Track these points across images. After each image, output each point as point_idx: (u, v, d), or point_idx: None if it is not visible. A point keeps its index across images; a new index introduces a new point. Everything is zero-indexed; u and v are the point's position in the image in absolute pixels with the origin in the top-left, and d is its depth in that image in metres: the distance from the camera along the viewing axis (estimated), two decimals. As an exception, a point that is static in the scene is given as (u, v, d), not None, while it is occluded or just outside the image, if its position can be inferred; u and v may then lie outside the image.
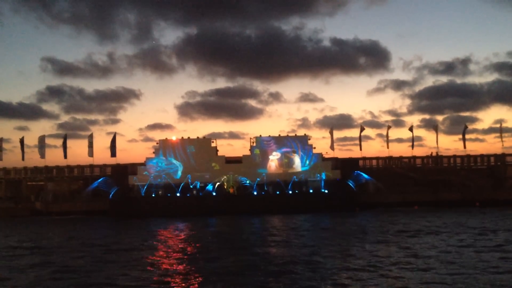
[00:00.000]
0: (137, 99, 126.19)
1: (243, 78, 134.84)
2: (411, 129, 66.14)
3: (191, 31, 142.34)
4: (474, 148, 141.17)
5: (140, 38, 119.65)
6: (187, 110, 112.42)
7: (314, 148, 60.29)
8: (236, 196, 57.12)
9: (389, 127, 67.30)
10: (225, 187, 57.95)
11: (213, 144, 60.20)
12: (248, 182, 58.10)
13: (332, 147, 63.76)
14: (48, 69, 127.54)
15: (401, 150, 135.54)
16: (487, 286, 19.59)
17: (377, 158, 64.33)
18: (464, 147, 66.76)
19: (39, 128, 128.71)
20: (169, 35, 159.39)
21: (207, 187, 57.32)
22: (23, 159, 62.88)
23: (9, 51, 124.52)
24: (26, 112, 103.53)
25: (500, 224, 39.60)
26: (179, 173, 58.53)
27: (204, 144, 59.87)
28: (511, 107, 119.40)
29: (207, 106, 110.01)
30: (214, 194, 56.86)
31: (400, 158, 64.52)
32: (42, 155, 62.00)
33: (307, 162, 59.53)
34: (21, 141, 63.42)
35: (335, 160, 61.34)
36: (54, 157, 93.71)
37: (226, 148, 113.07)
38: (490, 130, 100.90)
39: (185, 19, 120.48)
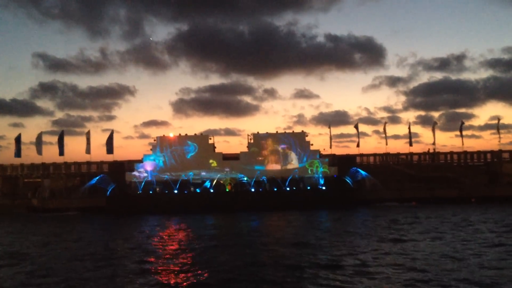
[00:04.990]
0: (131, 95, 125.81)
1: (237, 74, 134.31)
2: (409, 126, 66.68)
3: (182, 27, 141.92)
4: (471, 144, 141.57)
5: (132, 34, 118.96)
6: (182, 106, 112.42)
7: (312, 145, 60.39)
8: (234, 193, 57.19)
9: (385, 124, 67.83)
10: (223, 184, 58.00)
11: (210, 141, 60.16)
12: (245, 179, 58.21)
13: (330, 145, 64.10)
14: (40, 65, 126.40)
15: (398, 146, 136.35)
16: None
17: (374, 155, 64.53)
18: (462, 143, 67.37)
19: (33, 124, 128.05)
20: (160, 31, 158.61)
21: (204, 184, 57.44)
22: (19, 155, 62.31)
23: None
24: (20, 108, 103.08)
25: None
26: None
27: (201, 141, 59.84)
28: (507, 103, 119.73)
29: (201, 102, 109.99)
30: (211, 191, 56.91)
31: (397, 154, 64.77)
32: (40, 152, 61.75)
33: (305, 159, 59.60)
34: (17, 138, 62.86)
35: (332, 156, 61.48)
36: (49, 153, 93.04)
37: (223, 145, 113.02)
38: (486, 127, 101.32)
39: (175, 15, 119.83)
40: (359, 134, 66.15)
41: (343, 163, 59.31)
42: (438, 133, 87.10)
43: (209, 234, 36.50)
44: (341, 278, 21.05)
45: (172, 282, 21.44)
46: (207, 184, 57.39)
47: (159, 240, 34.19)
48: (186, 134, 60.28)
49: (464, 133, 69.69)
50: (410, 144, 67.74)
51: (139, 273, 23.26)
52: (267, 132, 60.91)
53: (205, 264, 24.95)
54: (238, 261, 25.35)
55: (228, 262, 25.15)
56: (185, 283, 21.15)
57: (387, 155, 64.43)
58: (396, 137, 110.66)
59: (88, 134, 62.58)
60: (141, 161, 58.98)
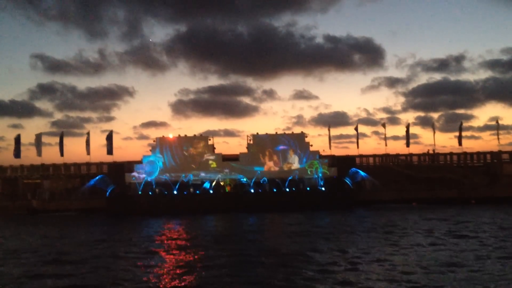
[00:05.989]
0: (130, 96, 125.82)
1: (236, 75, 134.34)
2: (407, 127, 66.44)
3: (181, 28, 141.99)
4: (470, 145, 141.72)
5: (130, 35, 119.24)
6: (180, 107, 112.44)
7: (311, 146, 60.37)
8: (233, 194, 57.15)
9: (384, 125, 67.81)
10: (222, 185, 57.98)
11: (210, 142, 60.15)
12: (245, 180, 58.19)
13: (329, 146, 64.21)
14: (38, 66, 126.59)
15: (397, 147, 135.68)
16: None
17: (374, 156, 64.55)
18: (460, 144, 67.01)
19: (32, 126, 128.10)
20: (159, 32, 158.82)
21: (204, 185, 57.40)
22: (18, 157, 62.22)
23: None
24: (19, 109, 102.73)
25: None
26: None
27: (201, 142, 59.78)
28: (506, 104, 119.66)
29: (200, 103, 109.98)
30: (211, 192, 56.87)
31: (397, 155, 64.75)
32: (39, 153, 61.82)
33: (304, 160, 59.59)
34: (17, 139, 62.79)
35: (331, 157, 61.47)
36: (49, 155, 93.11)
37: (222, 146, 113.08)
38: (486, 128, 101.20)
39: (174, 16, 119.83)
40: (358, 135, 66.32)
41: (342, 164, 59.28)
42: (437, 134, 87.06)
43: (207, 235, 36.50)
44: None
45: (169, 282, 21.46)
46: (207, 185, 57.35)
47: (158, 240, 34.20)
48: (185, 135, 60.31)
49: (463, 134, 69.70)
50: (408, 145, 67.57)
51: (136, 271, 23.28)
52: (266, 133, 60.94)
53: (202, 264, 24.96)
54: (233, 262, 25.36)
55: (223, 264, 25.17)
56: (174, 283, 21.18)
57: (386, 156, 64.45)
58: (395, 138, 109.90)
59: (88, 135, 62.75)
60: (140, 162, 58.97)
